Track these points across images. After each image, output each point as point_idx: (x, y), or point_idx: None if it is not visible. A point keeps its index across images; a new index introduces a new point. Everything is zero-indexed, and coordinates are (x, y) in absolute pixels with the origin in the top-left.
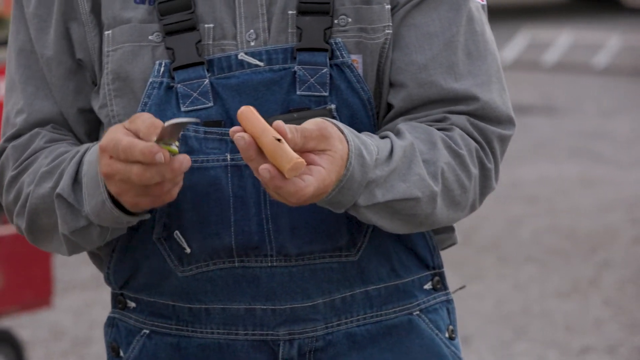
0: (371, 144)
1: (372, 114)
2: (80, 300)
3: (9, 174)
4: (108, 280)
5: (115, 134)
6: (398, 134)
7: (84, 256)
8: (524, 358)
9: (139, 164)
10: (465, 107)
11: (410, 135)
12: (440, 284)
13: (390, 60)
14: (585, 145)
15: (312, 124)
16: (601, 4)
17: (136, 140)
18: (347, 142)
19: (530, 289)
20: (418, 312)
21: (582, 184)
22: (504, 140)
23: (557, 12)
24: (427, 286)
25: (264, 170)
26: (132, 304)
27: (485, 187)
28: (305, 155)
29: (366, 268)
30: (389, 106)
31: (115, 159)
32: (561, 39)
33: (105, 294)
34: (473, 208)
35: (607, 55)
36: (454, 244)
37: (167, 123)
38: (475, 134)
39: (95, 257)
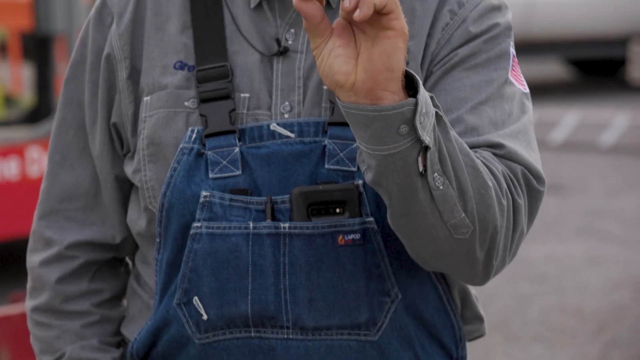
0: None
1: None
2: None
3: (41, 301)
4: (131, 353)
5: None
6: None
7: None
8: None
9: None
10: (488, 150)
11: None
12: None
13: None
14: (592, 223)
15: None
16: (608, 83)
17: None
18: (413, 77)
19: None
20: None
21: (589, 263)
22: (532, 188)
23: (564, 91)
24: None
25: None
26: None
27: (515, 225)
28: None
29: (387, 350)
30: None
31: None
32: (568, 118)
33: None
34: (503, 258)
35: (613, 134)
36: (481, 335)
37: None
38: (504, 168)
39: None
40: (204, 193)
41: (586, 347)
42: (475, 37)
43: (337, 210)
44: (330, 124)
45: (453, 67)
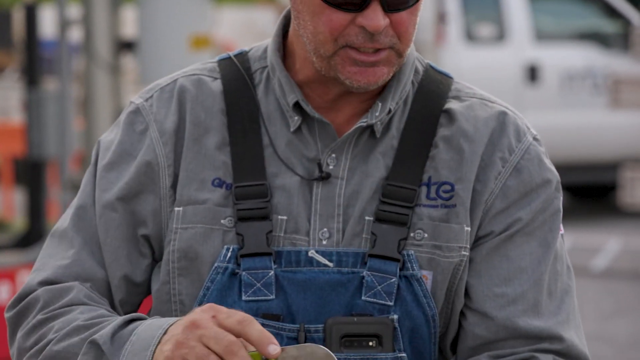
0: None
1: (434, 331)
2: None
3: (37, 316)
4: None
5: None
6: None
7: None
8: None
9: None
10: (549, 346)
11: None
12: None
13: (470, 285)
14: None
15: None
16: (599, 207)
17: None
18: None
19: None
20: None
21: None
22: None
23: None
24: None
25: None
26: None
27: None
28: None
29: None
30: (464, 331)
31: (207, 343)
32: None
33: None
34: None
35: (605, 259)
36: None
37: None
38: None
39: None
40: None
41: None
42: (533, 193)
43: (371, 343)
44: (371, 255)
45: (514, 234)
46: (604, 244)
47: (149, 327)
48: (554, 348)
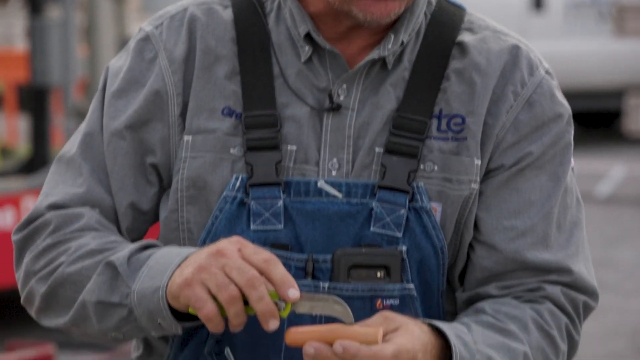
0: (455, 325)
1: (442, 263)
2: None
3: (47, 240)
4: None
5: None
6: (479, 313)
7: None
8: None
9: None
10: (558, 278)
11: (497, 321)
12: None
13: (480, 218)
14: None
15: (375, 315)
16: (603, 134)
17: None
18: (436, 325)
19: None
20: None
21: None
22: (588, 311)
23: None
24: None
25: (336, 346)
26: None
27: (571, 355)
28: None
29: None
30: (472, 263)
31: (229, 273)
32: None
33: None
34: None
35: (610, 185)
36: None
37: (317, 300)
38: (567, 306)
39: None
40: None
41: None
42: (544, 127)
43: (379, 274)
44: (380, 187)
45: (525, 168)
46: (608, 171)
47: (168, 253)
48: (562, 280)
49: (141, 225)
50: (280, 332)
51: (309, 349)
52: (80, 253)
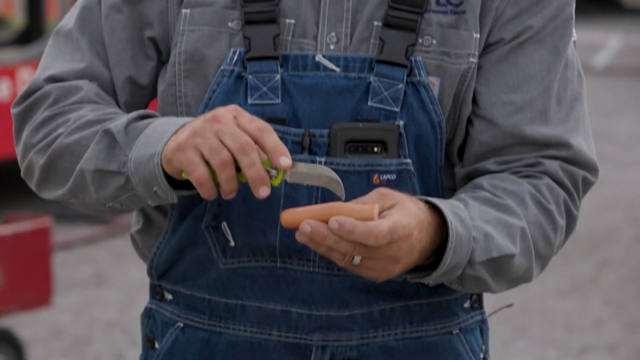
0: (452, 202)
1: (440, 138)
2: (80, 299)
3: (46, 112)
4: (150, 266)
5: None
6: (477, 189)
7: (84, 255)
8: (523, 357)
9: (241, 158)
10: (556, 152)
11: (495, 196)
12: (477, 303)
13: (478, 93)
14: None
15: (372, 192)
16: (601, 5)
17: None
18: (432, 202)
19: (530, 288)
20: (457, 331)
21: None
22: (588, 186)
23: None
24: (466, 305)
25: (332, 222)
26: (169, 296)
27: (569, 231)
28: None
29: (407, 283)
30: (471, 138)
31: (223, 138)
32: None
33: (105, 292)
34: (557, 252)
35: (607, 56)
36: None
37: (308, 170)
38: (566, 181)
39: (137, 247)
40: None
41: (579, 268)
42: (545, 0)
43: (375, 149)
44: (378, 61)
45: (524, 42)
46: (606, 42)
47: (166, 122)
48: (561, 155)
49: (140, 99)
50: (276, 206)
51: (305, 227)
52: (78, 124)
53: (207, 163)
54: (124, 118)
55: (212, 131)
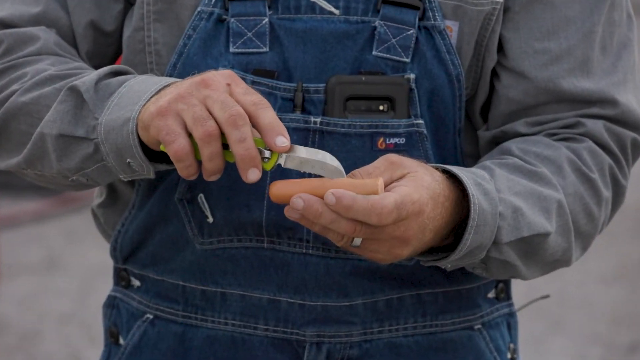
0: (476, 170)
1: (459, 94)
2: (27, 287)
3: None
4: (114, 246)
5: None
6: (506, 155)
7: (32, 235)
8: (561, 356)
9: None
10: (600, 111)
11: (526, 163)
12: (504, 293)
13: (506, 40)
14: None
15: (379, 159)
16: None
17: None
18: (451, 171)
19: (569, 274)
20: (479, 326)
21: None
22: (638, 150)
23: None
24: (491, 294)
25: (328, 195)
26: (137, 282)
27: (616, 204)
28: (385, 190)
29: (419, 268)
30: (497, 95)
31: (211, 107)
32: None
33: (57, 279)
34: (602, 229)
35: None
36: None
37: (300, 154)
38: (612, 144)
39: (98, 223)
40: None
41: (627, 249)
42: None
43: (381, 107)
44: (385, 2)
45: None
46: None
47: (145, 80)
48: (606, 113)
49: (105, 48)
50: (264, 176)
51: (296, 201)
52: (37, 80)
53: (190, 135)
54: (94, 74)
55: (199, 97)
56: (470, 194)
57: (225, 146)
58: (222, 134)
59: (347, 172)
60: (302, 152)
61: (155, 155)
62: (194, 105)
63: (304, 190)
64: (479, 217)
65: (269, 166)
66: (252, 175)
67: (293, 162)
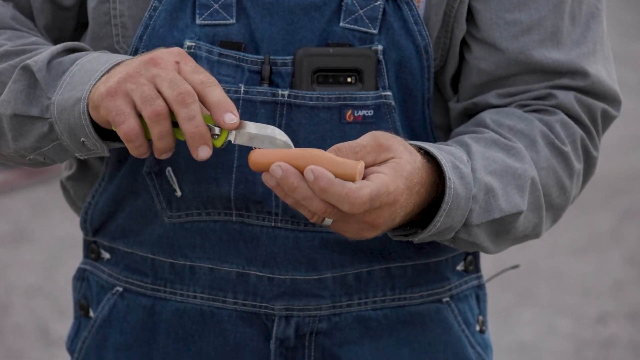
0: (455, 150)
1: (427, 65)
2: None
3: None
4: (84, 218)
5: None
6: (480, 128)
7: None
8: (530, 327)
9: (176, 105)
10: (571, 82)
11: (501, 136)
12: (473, 265)
13: (476, 10)
14: None
15: (367, 135)
16: None
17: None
18: (433, 154)
19: (538, 245)
20: (448, 299)
21: None
22: (609, 120)
23: None
24: (459, 267)
25: (307, 172)
26: (107, 255)
27: (587, 176)
28: (366, 171)
29: (387, 241)
30: (468, 66)
31: (159, 85)
32: None
33: (24, 251)
34: (573, 200)
35: None
36: None
37: (249, 130)
38: (583, 116)
39: (68, 195)
40: (188, 42)
41: (596, 219)
42: None
43: (349, 79)
44: None
45: None
46: None
47: (97, 58)
48: (576, 84)
49: (64, 22)
50: (231, 148)
51: (276, 169)
52: None
53: (140, 115)
54: (47, 52)
55: (147, 76)
56: (447, 179)
57: (176, 124)
58: (172, 113)
59: (318, 146)
60: (252, 127)
61: (109, 133)
62: (143, 84)
63: (284, 160)
64: (453, 202)
65: (219, 143)
66: (203, 152)
67: (243, 138)
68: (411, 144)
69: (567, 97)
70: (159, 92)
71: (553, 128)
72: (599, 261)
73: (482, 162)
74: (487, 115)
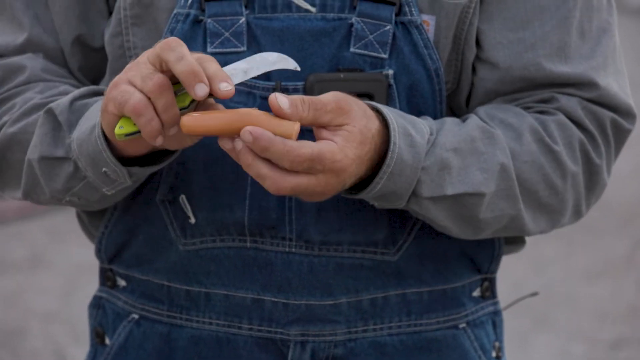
0: (421, 122)
1: (438, 88)
2: (12, 285)
3: None
4: (99, 247)
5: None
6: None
7: (16, 232)
8: (545, 352)
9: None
10: (576, 91)
11: (484, 123)
12: (490, 292)
13: (481, 31)
14: None
15: (330, 95)
16: None
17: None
18: (387, 119)
19: (553, 270)
20: (464, 325)
21: None
22: (621, 132)
23: None
24: (476, 293)
25: (244, 133)
26: (122, 282)
27: (593, 185)
28: (318, 131)
29: (404, 267)
30: (475, 87)
31: (152, 59)
32: None
33: (41, 277)
34: (578, 211)
35: None
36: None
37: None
38: (586, 121)
39: (83, 224)
40: None
41: (612, 245)
42: None
43: None
44: None
45: None
46: None
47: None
48: (582, 94)
49: (97, 62)
50: (244, 174)
51: (245, 135)
52: (24, 109)
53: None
54: (70, 94)
55: (142, 61)
56: (392, 142)
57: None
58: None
59: None
60: (240, 64)
61: (128, 163)
62: (140, 65)
63: (218, 125)
64: (395, 166)
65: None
66: (200, 90)
67: (238, 76)
68: (372, 107)
69: (570, 101)
70: (155, 66)
71: (547, 126)
72: (613, 286)
73: (449, 139)
74: (482, 108)
